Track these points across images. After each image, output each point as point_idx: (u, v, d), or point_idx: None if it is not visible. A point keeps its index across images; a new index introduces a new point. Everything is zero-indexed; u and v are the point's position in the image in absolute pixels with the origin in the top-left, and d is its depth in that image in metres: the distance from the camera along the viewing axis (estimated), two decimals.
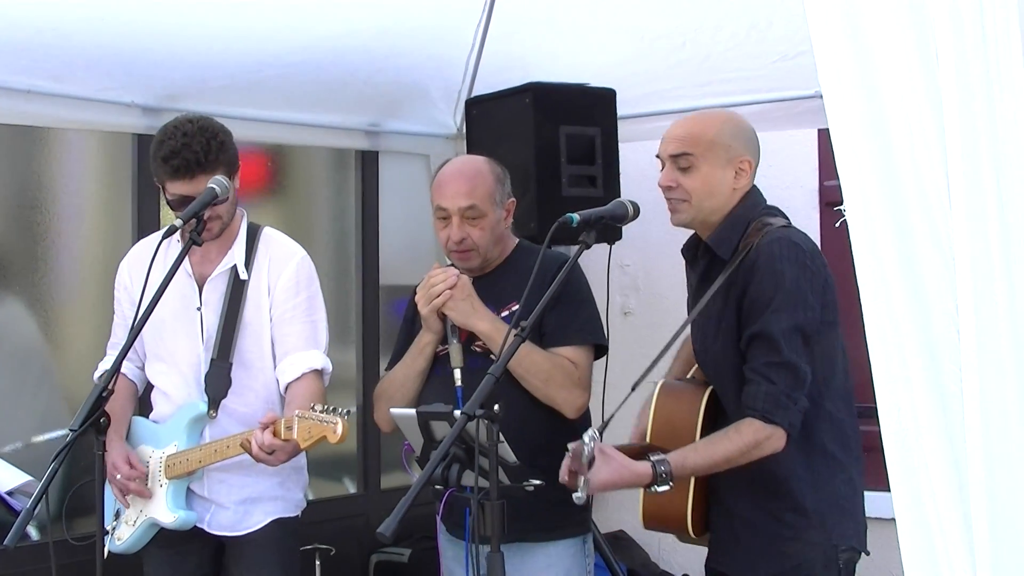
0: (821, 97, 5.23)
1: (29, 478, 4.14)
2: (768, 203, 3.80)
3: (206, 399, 4.22)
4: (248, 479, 4.25)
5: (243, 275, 4.25)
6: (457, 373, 4.01)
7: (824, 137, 6.38)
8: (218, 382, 4.22)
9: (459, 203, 4.13)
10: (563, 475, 3.41)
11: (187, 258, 4.12)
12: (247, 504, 4.28)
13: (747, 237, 3.64)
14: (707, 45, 5.70)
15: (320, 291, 4.36)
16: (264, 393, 4.25)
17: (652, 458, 3.44)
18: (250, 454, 3.97)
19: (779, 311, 3.49)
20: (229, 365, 4.22)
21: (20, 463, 4.31)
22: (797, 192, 6.27)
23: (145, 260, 4.00)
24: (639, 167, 6.11)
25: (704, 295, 3.68)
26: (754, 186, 3.78)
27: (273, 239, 4.36)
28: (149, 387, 4.45)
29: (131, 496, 4.24)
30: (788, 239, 3.58)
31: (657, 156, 3.79)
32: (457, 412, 3.23)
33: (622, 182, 5.87)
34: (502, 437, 3.22)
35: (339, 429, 3.79)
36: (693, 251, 3.89)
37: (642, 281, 6.78)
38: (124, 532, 4.28)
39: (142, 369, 4.46)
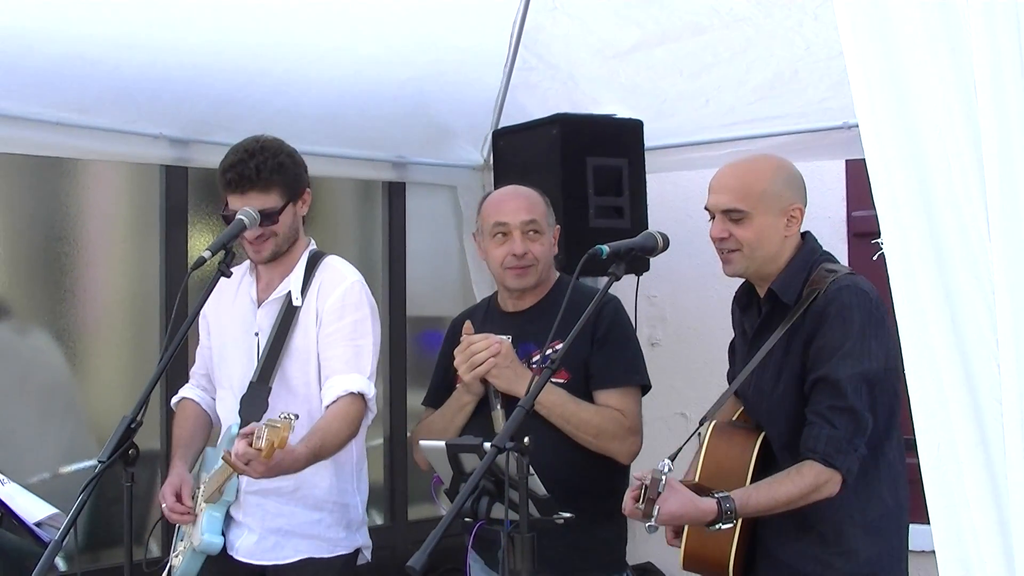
0: (848, 128, 5.33)
1: (56, 510, 4.12)
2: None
3: (239, 421, 4.20)
4: (285, 508, 4.24)
5: (296, 301, 4.25)
6: None
7: (851, 167, 6.36)
8: (253, 405, 4.19)
9: (521, 217, 4.24)
10: (627, 504, 3.39)
11: (254, 284, 4.32)
12: (278, 535, 4.25)
13: (811, 283, 3.64)
14: (730, 100, 5.72)
15: (372, 317, 4.30)
16: (308, 419, 4.14)
17: (717, 495, 3.43)
18: (232, 467, 3.93)
19: (847, 357, 3.50)
20: (268, 389, 4.20)
21: (47, 494, 4.29)
22: (825, 223, 6.24)
23: (224, 290, 4.13)
24: (666, 198, 6.11)
25: (766, 340, 3.67)
26: (809, 232, 3.79)
27: (330, 266, 4.34)
28: None
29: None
30: (857, 287, 3.59)
31: (706, 208, 3.76)
32: (487, 444, 3.22)
33: (649, 213, 5.85)
34: (532, 470, 3.21)
35: (284, 433, 3.75)
36: (748, 297, 3.88)
37: (669, 312, 6.76)
38: (178, 561, 4.30)
39: (214, 403, 4.50)
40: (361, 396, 4.16)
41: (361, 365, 4.21)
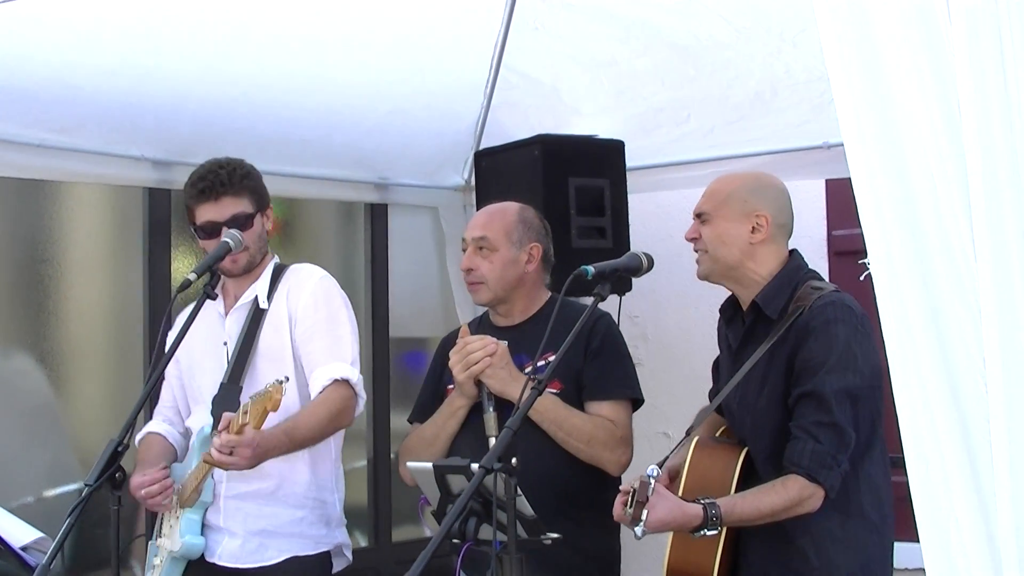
0: (828, 148, 5.35)
1: (41, 534, 4.12)
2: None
3: (211, 422, 4.20)
4: (266, 509, 4.24)
5: (263, 304, 4.28)
6: (492, 442, 4.01)
7: (831, 187, 6.38)
8: (225, 405, 4.18)
9: (474, 232, 4.29)
10: (616, 510, 3.43)
11: (221, 300, 4.27)
12: (262, 536, 4.25)
13: (796, 300, 3.68)
14: (711, 117, 5.74)
15: (346, 306, 4.34)
16: (284, 417, 4.12)
17: (703, 501, 3.45)
18: (216, 465, 3.96)
19: (832, 372, 3.53)
20: (239, 389, 4.21)
21: (31, 517, 4.28)
22: (805, 242, 6.20)
23: (184, 318, 4.10)
24: (648, 218, 6.13)
25: (750, 353, 3.71)
26: (796, 250, 3.86)
27: (296, 270, 4.39)
28: None
29: (160, 537, 4.28)
30: (843, 303, 3.63)
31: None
32: (474, 466, 3.22)
33: (631, 233, 5.86)
34: (519, 491, 3.21)
35: (276, 395, 3.78)
36: (733, 310, 3.91)
37: (651, 332, 6.76)
38: (157, 572, 4.28)
39: (184, 436, 4.46)
40: (346, 382, 4.19)
41: (342, 352, 4.25)
